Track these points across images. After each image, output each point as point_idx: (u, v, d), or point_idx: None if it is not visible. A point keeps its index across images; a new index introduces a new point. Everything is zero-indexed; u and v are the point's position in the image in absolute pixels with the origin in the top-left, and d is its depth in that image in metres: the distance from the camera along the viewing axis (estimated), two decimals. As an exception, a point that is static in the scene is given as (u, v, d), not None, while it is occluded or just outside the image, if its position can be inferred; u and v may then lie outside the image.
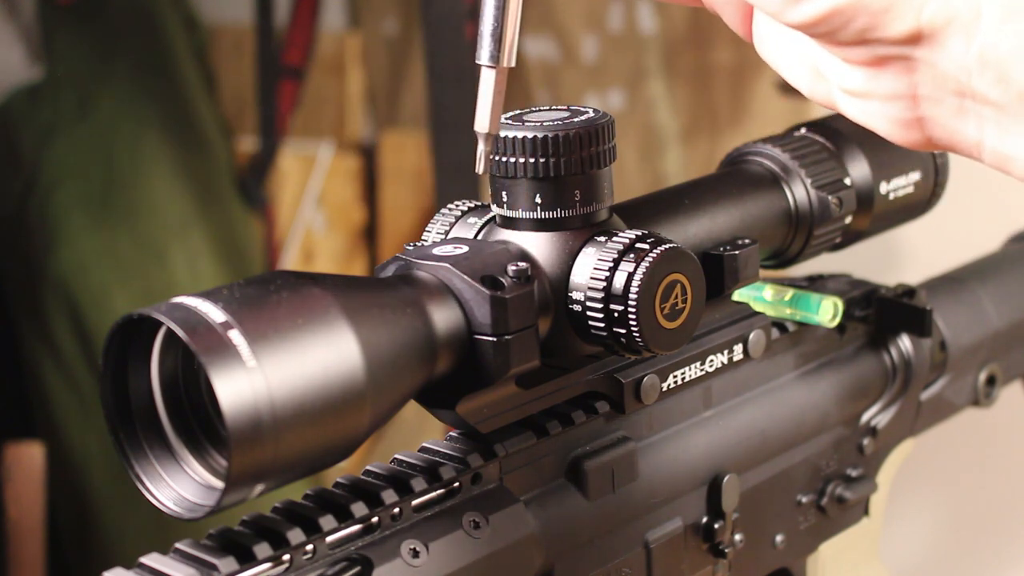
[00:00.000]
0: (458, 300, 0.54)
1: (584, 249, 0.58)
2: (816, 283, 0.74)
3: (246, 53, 2.27)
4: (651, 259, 0.56)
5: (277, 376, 0.47)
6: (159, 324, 0.47)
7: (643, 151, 2.14)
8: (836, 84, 0.52)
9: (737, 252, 0.63)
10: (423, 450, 0.58)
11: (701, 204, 0.64)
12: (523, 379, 0.58)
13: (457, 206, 0.61)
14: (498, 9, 0.55)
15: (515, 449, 0.58)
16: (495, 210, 0.59)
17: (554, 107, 0.60)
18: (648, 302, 0.56)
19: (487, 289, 0.54)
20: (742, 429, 0.67)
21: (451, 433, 0.59)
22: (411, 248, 0.57)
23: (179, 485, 0.50)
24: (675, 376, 0.64)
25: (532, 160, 0.57)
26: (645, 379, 0.62)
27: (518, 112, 0.59)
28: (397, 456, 0.57)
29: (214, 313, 0.47)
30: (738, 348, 0.66)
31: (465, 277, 0.54)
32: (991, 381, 0.82)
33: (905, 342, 0.75)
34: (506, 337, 0.54)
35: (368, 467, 0.56)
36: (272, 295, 0.49)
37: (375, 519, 0.53)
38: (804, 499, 0.71)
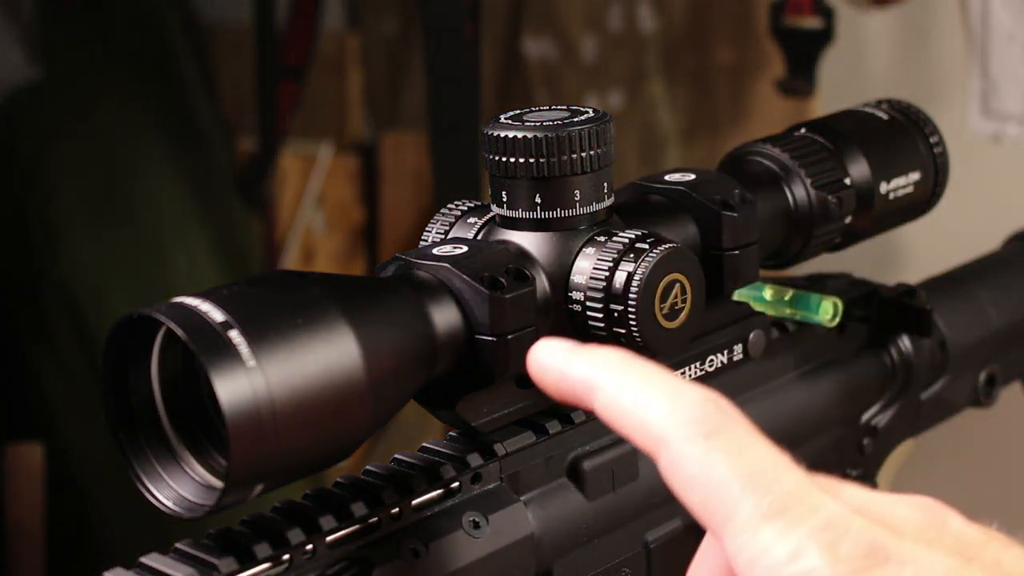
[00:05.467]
0: (458, 300, 0.54)
1: (584, 249, 0.58)
2: (816, 283, 0.74)
3: (246, 53, 2.26)
4: (651, 259, 0.56)
5: (277, 376, 0.47)
6: (159, 324, 0.47)
7: (643, 151, 2.14)
8: None
9: (737, 252, 0.63)
10: (423, 450, 0.57)
11: None
12: (523, 379, 0.58)
13: (457, 206, 0.61)
14: None
15: (515, 449, 0.58)
16: (495, 210, 0.59)
17: (554, 107, 0.60)
18: (648, 302, 0.56)
19: (487, 289, 0.54)
20: (742, 429, 0.67)
21: (451, 433, 0.59)
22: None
23: (179, 485, 0.50)
24: (675, 376, 0.64)
25: (532, 160, 0.57)
26: (645, 379, 0.62)
27: (518, 112, 0.59)
28: (397, 456, 0.57)
29: (214, 313, 0.47)
30: (738, 348, 0.66)
31: (465, 277, 0.54)
32: (991, 381, 0.81)
33: (905, 342, 0.75)
34: (506, 337, 0.54)
35: (368, 467, 0.56)
36: (272, 295, 0.49)
37: (375, 519, 0.53)
38: (804, 499, 0.71)
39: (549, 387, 0.50)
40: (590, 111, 0.59)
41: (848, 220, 0.69)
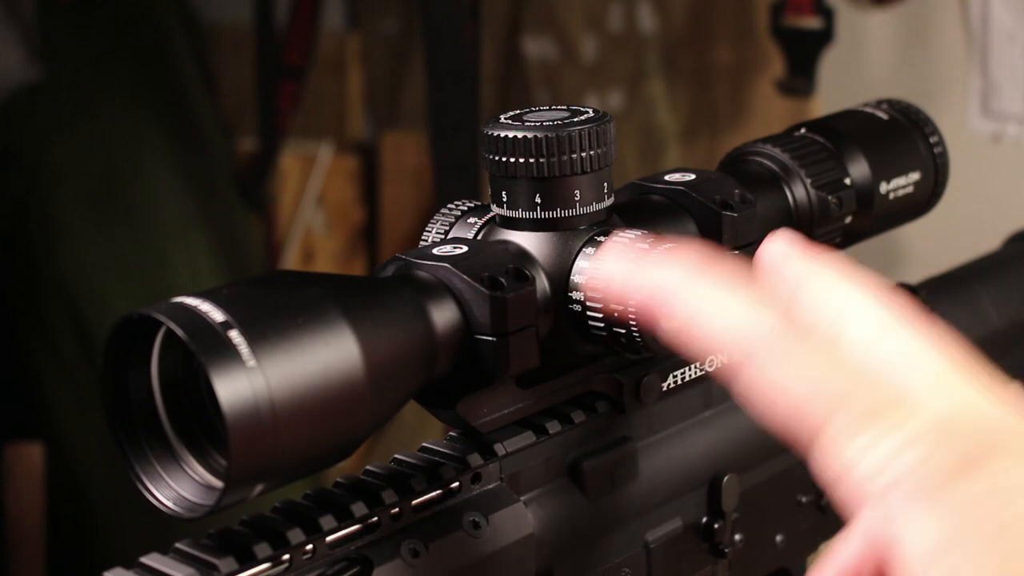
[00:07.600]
0: (458, 300, 0.54)
1: (584, 249, 0.58)
2: (816, 283, 0.74)
3: (246, 53, 2.27)
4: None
5: (277, 376, 0.47)
6: (159, 324, 0.47)
7: (643, 151, 2.14)
8: None
9: (737, 252, 0.63)
10: (423, 450, 0.57)
11: None
12: (523, 379, 0.58)
13: (457, 206, 0.61)
14: None
15: (515, 449, 0.58)
16: (495, 210, 0.59)
17: (554, 107, 0.60)
18: (648, 302, 0.56)
19: (487, 289, 0.54)
20: (742, 429, 0.67)
21: (451, 433, 0.59)
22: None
23: (179, 485, 0.50)
24: (675, 376, 0.64)
25: (532, 160, 0.57)
26: (645, 379, 0.62)
27: (518, 112, 0.59)
28: (397, 456, 0.57)
29: (214, 313, 0.47)
30: (738, 348, 0.66)
31: (465, 277, 0.54)
32: (991, 381, 0.81)
33: (905, 342, 0.75)
34: (506, 337, 0.54)
35: (368, 467, 0.56)
36: (272, 295, 0.49)
37: (375, 519, 0.53)
38: (804, 499, 0.71)
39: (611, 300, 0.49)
40: (590, 111, 0.59)
41: (848, 220, 0.69)
